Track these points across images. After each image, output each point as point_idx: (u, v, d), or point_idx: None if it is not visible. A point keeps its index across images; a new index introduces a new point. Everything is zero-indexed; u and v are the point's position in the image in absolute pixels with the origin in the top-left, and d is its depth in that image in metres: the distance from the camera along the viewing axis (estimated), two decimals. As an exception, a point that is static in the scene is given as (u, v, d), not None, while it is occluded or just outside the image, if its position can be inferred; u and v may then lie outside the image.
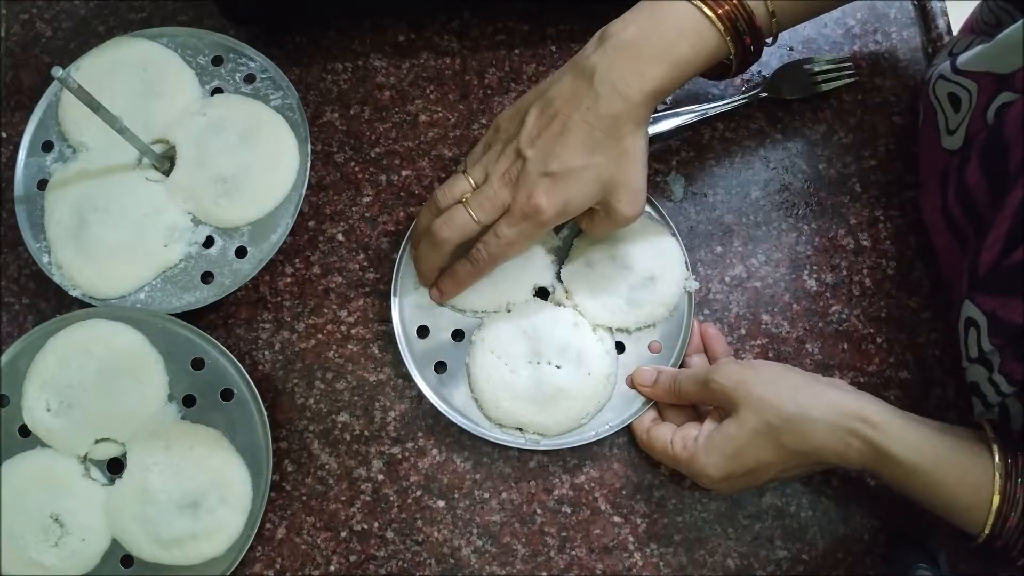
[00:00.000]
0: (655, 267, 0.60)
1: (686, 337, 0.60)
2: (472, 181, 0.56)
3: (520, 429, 0.59)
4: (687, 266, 0.61)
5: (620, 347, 0.60)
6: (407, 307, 0.61)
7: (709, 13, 0.52)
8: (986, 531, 0.48)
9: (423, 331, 0.61)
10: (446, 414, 0.59)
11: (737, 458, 0.52)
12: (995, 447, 0.49)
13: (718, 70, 0.57)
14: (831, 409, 0.50)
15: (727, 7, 0.52)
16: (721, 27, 0.52)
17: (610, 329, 0.60)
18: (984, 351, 0.51)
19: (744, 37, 0.53)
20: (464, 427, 0.59)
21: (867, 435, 0.49)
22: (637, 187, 0.54)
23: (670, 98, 0.66)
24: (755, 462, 0.52)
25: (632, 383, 0.59)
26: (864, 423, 0.50)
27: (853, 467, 0.51)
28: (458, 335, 0.60)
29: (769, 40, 0.56)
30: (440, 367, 0.60)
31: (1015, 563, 0.49)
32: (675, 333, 0.60)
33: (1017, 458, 0.48)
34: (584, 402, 0.58)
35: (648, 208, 0.62)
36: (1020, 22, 0.51)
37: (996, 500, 0.48)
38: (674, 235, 0.61)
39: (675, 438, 0.56)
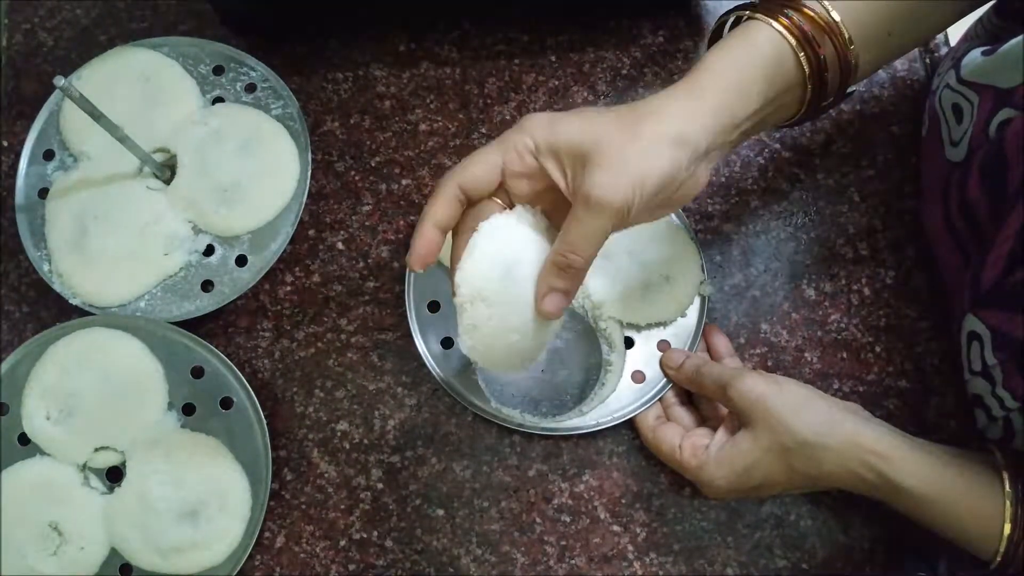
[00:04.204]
0: (672, 268, 0.61)
1: (696, 339, 0.60)
2: None
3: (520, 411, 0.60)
4: (703, 270, 0.61)
5: (629, 342, 0.61)
6: (422, 285, 0.61)
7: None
8: (998, 559, 0.48)
9: (434, 306, 0.61)
10: (445, 388, 0.60)
11: (746, 473, 0.53)
12: (1005, 474, 0.49)
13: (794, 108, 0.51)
14: (847, 440, 0.51)
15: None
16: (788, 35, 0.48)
17: (620, 323, 0.60)
18: (987, 364, 0.51)
19: (813, 45, 0.48)
20: (464, 404, 0.59)
21: (879, 468, 0.50)
22: (626, 165, 0.45)
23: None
24: (763, 479, 0.52)
25: (661, 361, 0.59)
26: (876, 456, 0.50)
27: (862, 493, 0.52)
28: None
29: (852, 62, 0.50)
30: (447, 343, 0.60)
31: None
32: (685, 335, 0.60)
33: None
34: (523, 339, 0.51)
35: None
36: (1021, 37, 0.51)
37: (1007, 528, 0.48)
38: (693, 239, 0.62)
39: (684, 444, 0.56)
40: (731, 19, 0.52)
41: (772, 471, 0.52)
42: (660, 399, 0.59)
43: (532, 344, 0.49)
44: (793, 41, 0.48)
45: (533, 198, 0.49)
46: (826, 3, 0.49)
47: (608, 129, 0.45)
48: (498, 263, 0.47)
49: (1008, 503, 0.48)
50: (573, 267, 0.46)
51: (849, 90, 0.64)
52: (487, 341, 0.49)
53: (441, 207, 0.47)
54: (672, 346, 0.60)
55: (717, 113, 0.47)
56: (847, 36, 0.49)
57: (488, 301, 0.47)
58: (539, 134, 0.46)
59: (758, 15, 0.49)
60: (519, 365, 0.51)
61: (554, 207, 0.49)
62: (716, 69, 0.48)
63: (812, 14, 0.48)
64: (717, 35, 0.53)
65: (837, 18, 0.49)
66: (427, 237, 0.47)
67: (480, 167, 0.47)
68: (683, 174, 0.46)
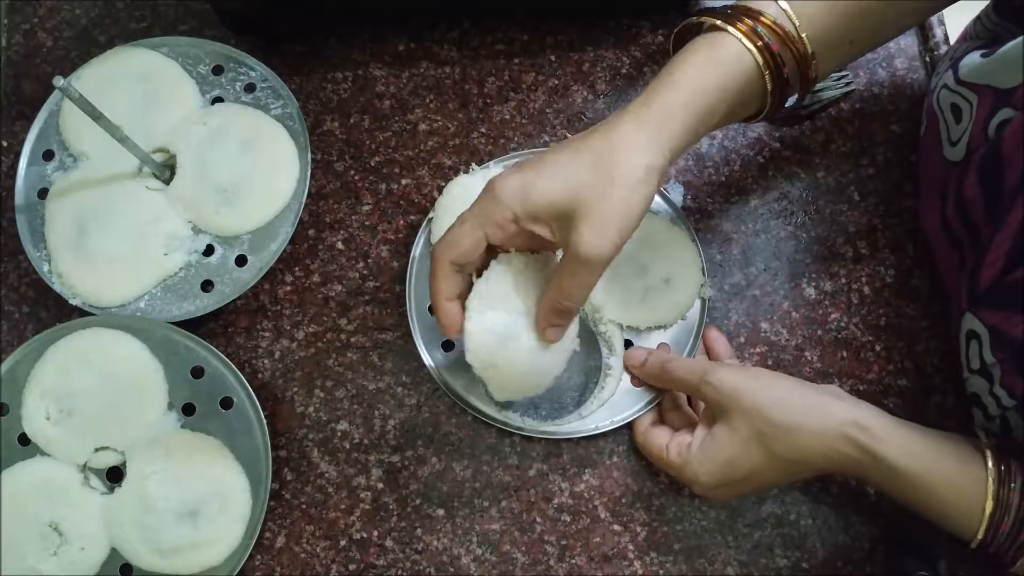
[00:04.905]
0: (672, 270, 0.61)
1: (696, 342, 0.60)
2: None
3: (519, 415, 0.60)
4: (704, 272, 0.61)
5: (629, 345, 0.60)
6: (422, 284, 0.61)
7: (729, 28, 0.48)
8: (979, 536, 0.48)
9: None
10: (444, 391, 0.60)
11: (729, 466, 0.52)
12: (988, 452, 0.49)
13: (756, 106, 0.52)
14: (825, 418, 0.50)
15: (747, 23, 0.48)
16: (748, 41, 0.48)
17: (620, 325, 0.60)
18: (986, 363, 0.51)
19: (772, 51, 0.48)
20: (462, 405, 0.59)
21: (859, 439, 0.49)
22: (610, 216, 0.47)
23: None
24: (748, 470, 0.52)
25: (624, 361, 0.60)
26: (856, 427, 0.50)
27: (847, 473, 0.51)
28: None
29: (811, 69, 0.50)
30: (448, 346, 0.61)
31: (1007, 569, 0.48)
32: (685, 337, 0.60)
33: (1010, 463, 0.48)
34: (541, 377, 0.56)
35: (670, 211, 0.62)
36: (1021, 39, 0.51)
37: (989, 505, 0.47)
38: (694, 240, 0.62)
39: (671, 444, 0.56)
40: (694, 24, 0.52)
41: (754, 460, 0.52)
42: (658, 404, 0.59)
43: (549, 369, 0.55)
44: (760, 59, 0.49)
45: (521, 247, 0.53)
46: (790, 12, 0.49)
47: (584, 181, 0.47)
48: (494, 337, 0.52)
49: (991, 480, 0.48)
50: (568, 310, 0.51)
51: (849, 89, 0.65)
52: (514, 388, 0.55)
53: (445, 283, 0.51)
54: (672, 349, 0.60)
55: (684, 135, 0.49)
56: (810, 51, 0.50)
57: (498, 366, 0.53)
58: (515, 204, 0.48)
59: (727, 27, 0.49)
60: (547, 385, 0.56)
61: (543, 244, 0.52)
62: (682, 87, 0.48)
63: (776, 27, 0.49)
64: (681, 39, 0.53)
65: (803, 33, 0.49)
66: (446, 310, 0.52)
67: (464, 246, 0.50)
68: (654, 194, 0.48)
